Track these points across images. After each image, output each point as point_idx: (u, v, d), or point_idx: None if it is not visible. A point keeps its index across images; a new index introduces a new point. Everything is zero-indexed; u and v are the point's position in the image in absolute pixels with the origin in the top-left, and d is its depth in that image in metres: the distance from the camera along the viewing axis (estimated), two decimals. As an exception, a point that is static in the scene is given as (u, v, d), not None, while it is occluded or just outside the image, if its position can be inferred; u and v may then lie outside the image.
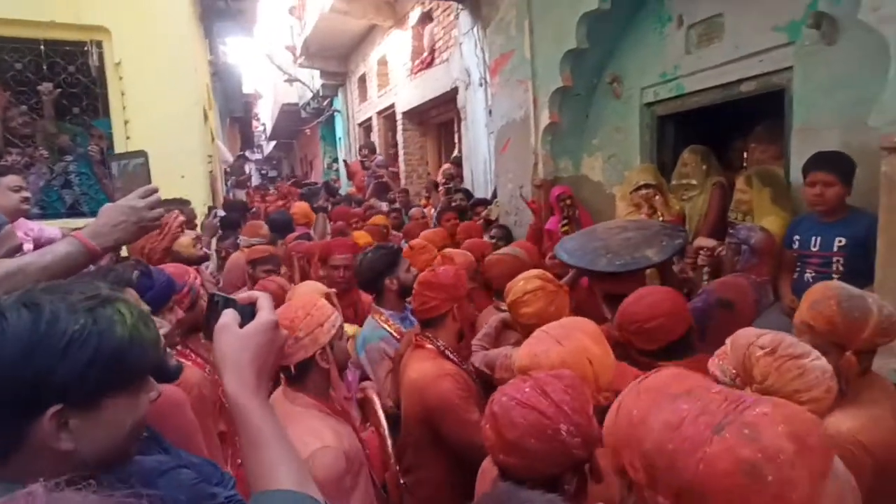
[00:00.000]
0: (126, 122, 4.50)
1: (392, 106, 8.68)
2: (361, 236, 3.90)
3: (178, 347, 1.74)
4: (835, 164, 2.29)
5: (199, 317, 1.76)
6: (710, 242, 2.85)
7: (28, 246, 2.22)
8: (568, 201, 3.74)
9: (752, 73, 2.95)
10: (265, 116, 21.02)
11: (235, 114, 14.94)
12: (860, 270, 2.18)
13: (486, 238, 3.87)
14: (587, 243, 2.54)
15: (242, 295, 0.83)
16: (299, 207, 5.68)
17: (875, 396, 1.33)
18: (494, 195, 5.08)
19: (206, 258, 3.09)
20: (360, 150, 9.04)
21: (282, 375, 1.48)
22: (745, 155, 3.68)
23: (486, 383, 1.89)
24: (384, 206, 6.34)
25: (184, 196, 3.91)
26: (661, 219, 3.12)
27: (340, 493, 1.33)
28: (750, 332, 1.20)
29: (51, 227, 2.89)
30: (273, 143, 22.10)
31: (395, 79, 8.49)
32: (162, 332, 1.12)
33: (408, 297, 2.36)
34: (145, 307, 1.12)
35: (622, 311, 1.71)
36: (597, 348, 1.36)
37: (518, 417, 1.04)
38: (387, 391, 2.25)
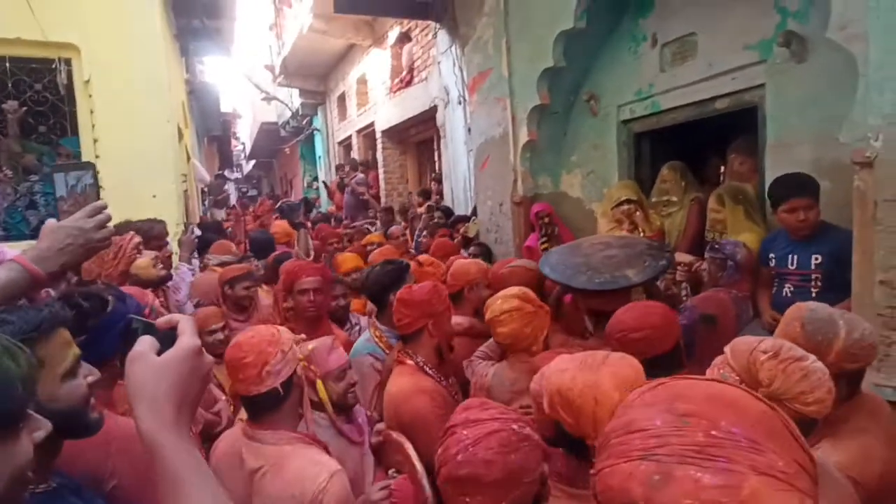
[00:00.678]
0: (95, 141, 4.37)
1: (372, 124, 8.67)
2: (347, 260, 3.72)
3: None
4: (809, 188, 2.31)
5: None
6: (688, 258, 2.85)
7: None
8: (546, 219, 3.72)
9: (725, 91, 2.99)
10: (244, 135, 20.90)
11: (213, 133, 14.78)
12: (838, 285, 2.20)
13: (464, 255, 3.83)
14: (569, 258, 2.53)
15: (161, 320, 0.74)
16: (279, 226, 5.50)
17: (862, 424, 1.29)
18: (475, 212, 5.05)
19: (167, 278, 2.95)
20: (337, 168, 8.97)
21: (243, 416, 1.41)
22: (721, 170, 3.72)
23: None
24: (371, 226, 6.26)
25: (155, 216, 3.79)
26: (642, 234, 3.12)
27: None
28: (749, 339, 1.21)
29: (12, 251, 2.75)
30: (253, 161, 21.95)
31: (374, 97, 8.50)
32: (89, 380, 1.01)
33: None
34: (76, 350, 1.01)
35: (612, 319, 1.71)
36: (614, 393, 1.20)
37: (485, 454, 1.02)
38: (372, 405, 2.26)
